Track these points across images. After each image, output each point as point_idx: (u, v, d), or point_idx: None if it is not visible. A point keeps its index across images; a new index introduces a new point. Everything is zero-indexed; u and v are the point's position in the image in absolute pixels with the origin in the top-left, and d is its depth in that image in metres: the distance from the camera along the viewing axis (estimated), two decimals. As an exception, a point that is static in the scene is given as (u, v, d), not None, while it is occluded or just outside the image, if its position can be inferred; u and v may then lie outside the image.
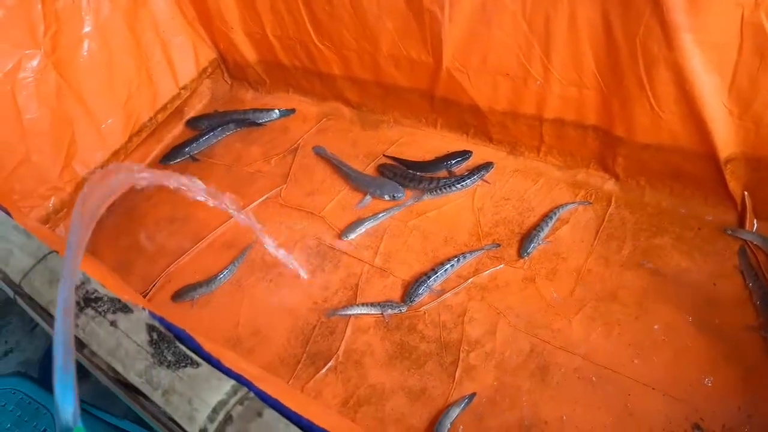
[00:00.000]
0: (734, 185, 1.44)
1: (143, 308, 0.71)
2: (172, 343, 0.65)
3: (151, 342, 0.65)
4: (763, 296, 1.32)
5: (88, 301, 0.75)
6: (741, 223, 1.46)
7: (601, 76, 1.45)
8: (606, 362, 1.31)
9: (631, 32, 1.32)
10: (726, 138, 1.36)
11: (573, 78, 1.50)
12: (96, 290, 0.75)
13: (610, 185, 1.63)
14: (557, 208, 1.59)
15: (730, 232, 1.46)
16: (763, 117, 1.29)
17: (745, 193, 1.45)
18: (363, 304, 1.52)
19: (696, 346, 1.29)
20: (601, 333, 1.36)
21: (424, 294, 1.50)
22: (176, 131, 2.23)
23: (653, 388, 1.25)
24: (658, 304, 1.37)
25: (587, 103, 1.53)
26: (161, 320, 0.69)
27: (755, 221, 1.45)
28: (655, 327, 1.34)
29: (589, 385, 1.28)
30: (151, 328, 0.67)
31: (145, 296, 1.69)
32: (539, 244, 1.54)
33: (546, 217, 1.58)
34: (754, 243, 1.42)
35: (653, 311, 1.36)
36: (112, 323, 0.69)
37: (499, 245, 1.57)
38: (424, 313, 1.48)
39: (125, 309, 0.70)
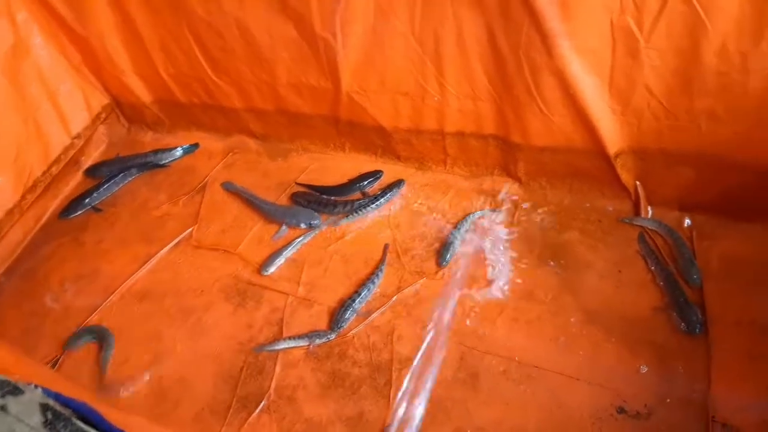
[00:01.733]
0: (626, 177, 1.54)
1: (35, 386, 0.65)
2: (68, 421, 0.61)
3: (46, 423, 0.60)
4: (665, 277, 1.41)
5: (-26, 386, 0.68)
6: (637, 211, 1.56)
7: (493, 87, 1.51)
8: (531, 360, 1.35)
9: (514, 43, 1.38)
10: (612, 134, 1.45)
11: (467, 91, 1.55)
12: (-17, 373, 0.69)
13: (515, 189, 1.69)
14: (468, 216, 1.64)
15: (627, 220, 1.55)
16: (643, 112, 1.39)
17: (637, 182, 1.55)
18: (290, 338, 1.49)
19: (611, 333, 1.36)
20: (524, 332, 1.40)
21: (351, 318, 1.49)
22: (74, 182, 2.10)
23: (578, 379, 1.30)
24: (572, 297, 1.43)
25: (483, 114, 1.59)
26: (57, 396, 0.64)
27: (649, 208, 1.55)
28: (572, 320, 1.39)
29: (517, 384, 1.32)
30: (45, 408, 0.62)
31: (56, 362, 1.58)
32: (455, 252, 1.57)
33: (458, 226, 1.62)
34: (651, 228, 1.52)
35: (568, 305, 1.42)
36: (2, 408, 0.63)
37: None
38: (353, 337, 1.47)
39: (15, 391, 0.64)
